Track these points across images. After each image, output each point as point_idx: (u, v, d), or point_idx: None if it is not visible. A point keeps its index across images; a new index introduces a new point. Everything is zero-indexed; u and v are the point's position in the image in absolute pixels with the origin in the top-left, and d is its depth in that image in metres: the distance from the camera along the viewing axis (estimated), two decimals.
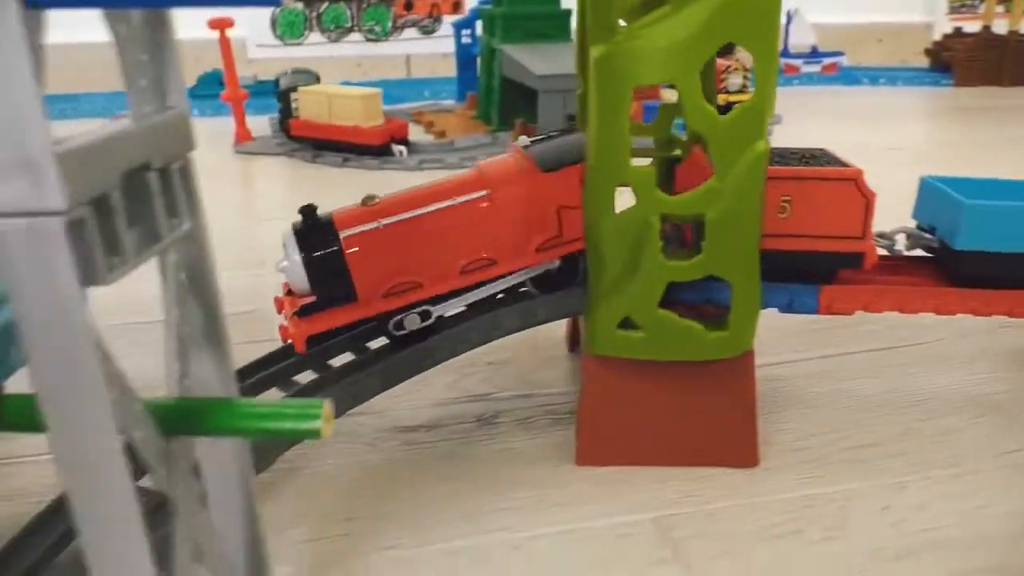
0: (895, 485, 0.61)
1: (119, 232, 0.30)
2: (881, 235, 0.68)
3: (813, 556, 0.54)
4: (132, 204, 0.31)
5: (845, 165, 0.62)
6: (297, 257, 0.55)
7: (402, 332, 0.58)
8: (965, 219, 0.63)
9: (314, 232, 0.56)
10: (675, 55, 0.52)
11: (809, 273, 0.64)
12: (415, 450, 0.66)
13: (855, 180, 0.60)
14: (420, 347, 0.59)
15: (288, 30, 2.40)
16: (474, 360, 0.80)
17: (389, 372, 0.58)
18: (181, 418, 0.33)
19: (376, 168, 1.54)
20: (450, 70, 2.52)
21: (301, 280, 0.56)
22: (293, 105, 1.65)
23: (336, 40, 2.49)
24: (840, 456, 0.65)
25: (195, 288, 0.37)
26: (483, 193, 0.59)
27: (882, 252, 0.67)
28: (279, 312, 0.59)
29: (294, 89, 1.64)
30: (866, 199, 0.60)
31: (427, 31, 2.58)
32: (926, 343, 0.84)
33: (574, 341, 0.82)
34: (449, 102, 2.15)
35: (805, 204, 0.60)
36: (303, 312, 0.57)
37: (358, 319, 0.57)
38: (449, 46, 2.53)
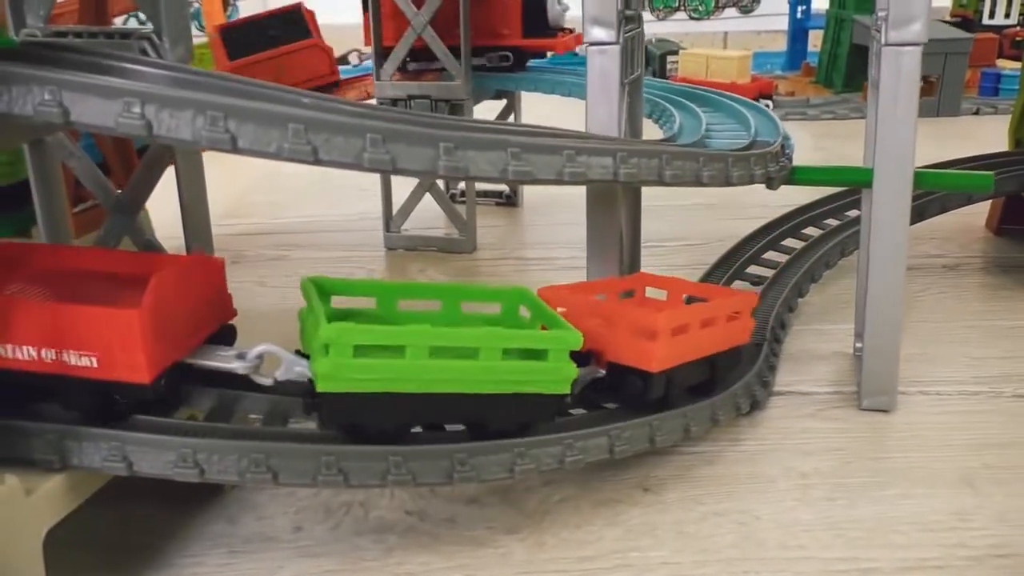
0: None
1: (626, 63, 0.63)
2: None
3: None
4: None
5: None
6: None
7: None
8: None
9: None
10: None
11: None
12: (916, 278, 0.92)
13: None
14: None
15: None
16: (919, 234, 1.05)
17: None
18: None
19: None
20: (764, 46, 2.75)
21: None
22: (670, 65, 1.96)
23: (663, 18, 2.81)
24: None
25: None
26: None
27: None
28: None
29: (674, 52, 1.95)
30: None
31: (746, 10, 2.84)
32: None
33: (1000, 222, 1.05)
34: (777, 72, 2.38)
35: None
36: None
37: None
38: (765, 24, 2.77)
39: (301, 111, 0.41)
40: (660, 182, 0.50)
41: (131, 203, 0.57)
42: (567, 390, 0.50)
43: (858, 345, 0.74)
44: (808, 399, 0.69)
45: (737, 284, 0.86)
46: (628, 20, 0.68)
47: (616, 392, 0.56)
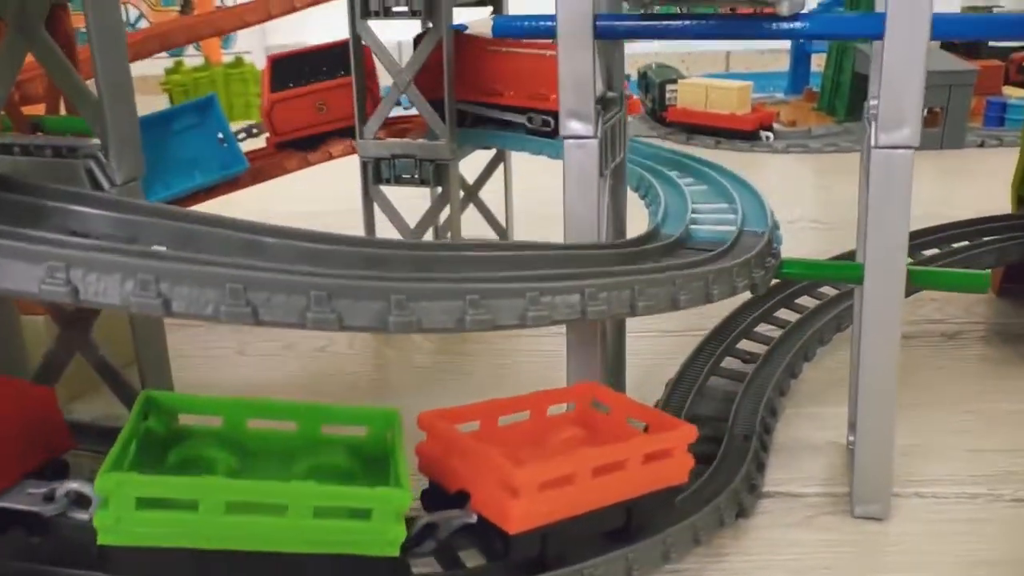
0: None
1: (606, 154, 0.62)
2: None
3: None
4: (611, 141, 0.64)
5: None
6: None
7: None
8: None
9: None
10: None
11: None
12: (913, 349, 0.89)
13: None
14: None
15: None
16: (918, 294, 1.01)
17: None
18: None
19: (747, 150, 1.79)
20: (767, 65, 2.72)
21: None
22: (668, 95, 1.92)
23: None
24: None
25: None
26: None
27: None
28: None
29: (672, 81, 1.92)
30: None
31: None
32: None
33: (1003, 280, 1.01)
34: (779, 95, 2.35)
35: None
36: None
37: None
38: (767, 44, 2.74)
39: (236, 270, 0.38)
40: (632, 314, 0.48)
41: (80, 317, 0.55)
42: (394, 552, 0.45)
43: (851, 438, 0.71)
44: (799, 502, 0.66)
45: (727, 361, 0.83)
46: (608, 105, 0.65)
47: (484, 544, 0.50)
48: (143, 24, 3.13)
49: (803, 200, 1.49)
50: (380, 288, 0.40)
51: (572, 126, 0.61)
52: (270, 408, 0.51)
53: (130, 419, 0.46)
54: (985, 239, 0.91)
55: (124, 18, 3.21)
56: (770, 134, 1.81)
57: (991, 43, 2.30)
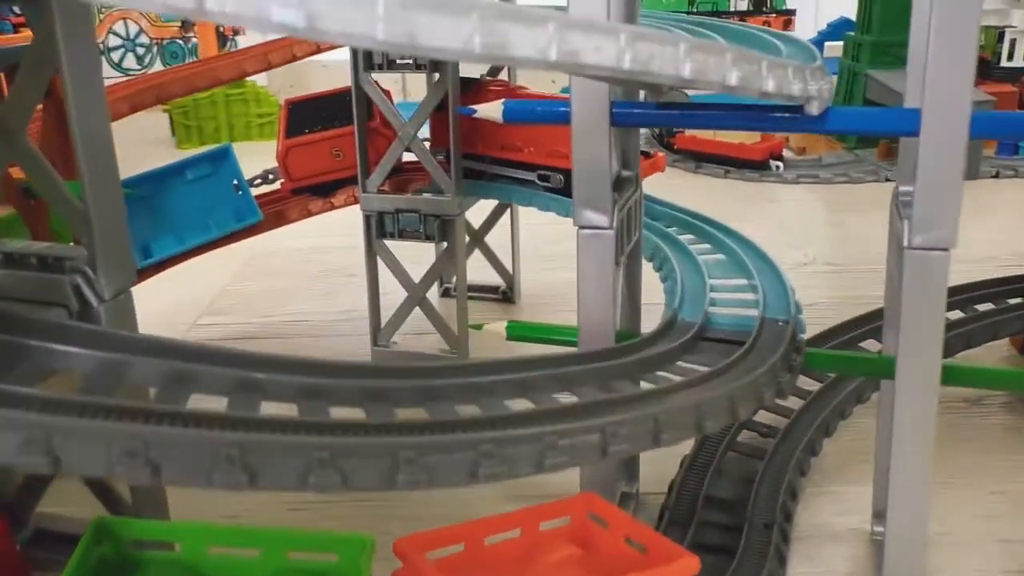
0: None
1: (622, 241, 0.60)
2: None
3: None
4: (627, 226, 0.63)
5: None
6: None
7: None
8: None
9: None
10: None
11: None
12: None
13: None
14: None
15: None
16: None
17: None
18: None
19: (757, 180, 1.76)
20: None
21: None
22: None
23: None
24: None
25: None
26: None
27: None
28: None
29: None
30: None
31: None
32: None
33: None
34: None
35: None
36: None
37: None
38: None
39: (230, 433, 0.35)
40: (655, 447, 0.45)
41: None
42: None
43: (877, 528, 0.68)
44: None
45: (744, 435, 0.80)
46: (624, 186, 0.62)
47: None
48: (143, 39, 3.10)
49: (816, 238, 1.45)
50: (387, 445, 0.37)
51: (587, 216, 0.58)
52: (232, 534, 0.48)
53: (79, 548, 0.43)
54: (1010, 302, 0.88)
55: (124, 34, 3.16)
56: (780, 164, 1.78)
57: (1002, 64, 2.26)
